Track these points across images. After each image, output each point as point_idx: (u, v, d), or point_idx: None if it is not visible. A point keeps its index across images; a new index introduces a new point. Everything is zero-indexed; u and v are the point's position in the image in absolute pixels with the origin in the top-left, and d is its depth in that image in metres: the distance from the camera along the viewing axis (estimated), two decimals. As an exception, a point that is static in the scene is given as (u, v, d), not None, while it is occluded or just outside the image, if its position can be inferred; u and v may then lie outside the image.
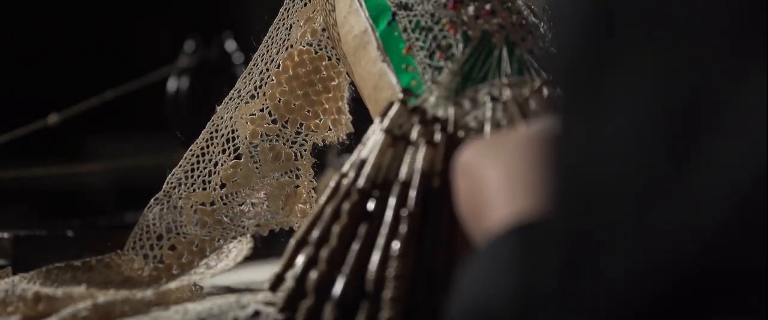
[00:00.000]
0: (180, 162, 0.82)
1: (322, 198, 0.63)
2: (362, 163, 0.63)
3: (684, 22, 0.37)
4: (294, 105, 0.82)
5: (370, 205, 0.61)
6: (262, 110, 0.82)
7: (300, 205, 0.82)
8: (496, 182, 0.53)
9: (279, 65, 0.83)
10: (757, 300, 0.35)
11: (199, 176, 0.81)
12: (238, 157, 0.82)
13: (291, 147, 0.82)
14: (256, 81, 0.83)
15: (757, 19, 0.36)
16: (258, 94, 0.82)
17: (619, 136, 0.37)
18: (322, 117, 0.83)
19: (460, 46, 0.71)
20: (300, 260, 0.60)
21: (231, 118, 0.82)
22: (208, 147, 0.82)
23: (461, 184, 0.58)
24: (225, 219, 0.81)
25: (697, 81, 0.36)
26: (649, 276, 0.35)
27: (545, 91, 0.66)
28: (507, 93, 0.67)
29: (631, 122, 0.37)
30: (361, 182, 0.62)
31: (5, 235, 0.97)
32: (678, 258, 0.35)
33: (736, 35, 0.36)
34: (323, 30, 0.83)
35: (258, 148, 0.82)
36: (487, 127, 0.65)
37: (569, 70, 0.40)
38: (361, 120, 0.77)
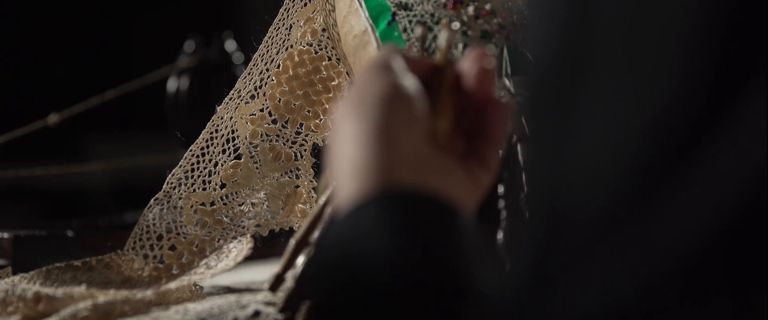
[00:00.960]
0: (180, 163, 0.82)
1: (322, 199, 0.63)
2: (362, 163, 0.63)
3: (660, 39, 0.36)
4: (294, 105, 0.82)
5: (370, 205, 0.61)
6: (262, 110, 0.82)
7: (300, 205, 0.82)
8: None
9: (279, 65, 0.83)
10: None
11: (199, 176, 0.81)
12: (238, 157, 0.82)
13: (291, 147, 0.82)
14: (256, 81, 0.83)
15: (739, 33, 0.35)
16: (258, 94, 0.82)
17: (587, 157, 0.36)
18: (322, 117, 0.83)
19: (460, 46, 0.71)
20: (300, 260, 0.60)
21: (231, 118, 0.82)
22: (208, 147, 0.82)
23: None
24: (225, 219, 0.81)
25: (670, 104, 0.35)
26: (608, 301, 0.35)
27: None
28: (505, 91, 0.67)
29: (600, 144, 0.36)
30: (361, 182, 0.62)
31: (5, 235, 0.97)
32: (640, 287, 0.35)
33: (718, 51, 0.35)
34: (323, 30, 0.83)
35: (258, 148, 0.82)
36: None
37: (542, 84, 0.39)
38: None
